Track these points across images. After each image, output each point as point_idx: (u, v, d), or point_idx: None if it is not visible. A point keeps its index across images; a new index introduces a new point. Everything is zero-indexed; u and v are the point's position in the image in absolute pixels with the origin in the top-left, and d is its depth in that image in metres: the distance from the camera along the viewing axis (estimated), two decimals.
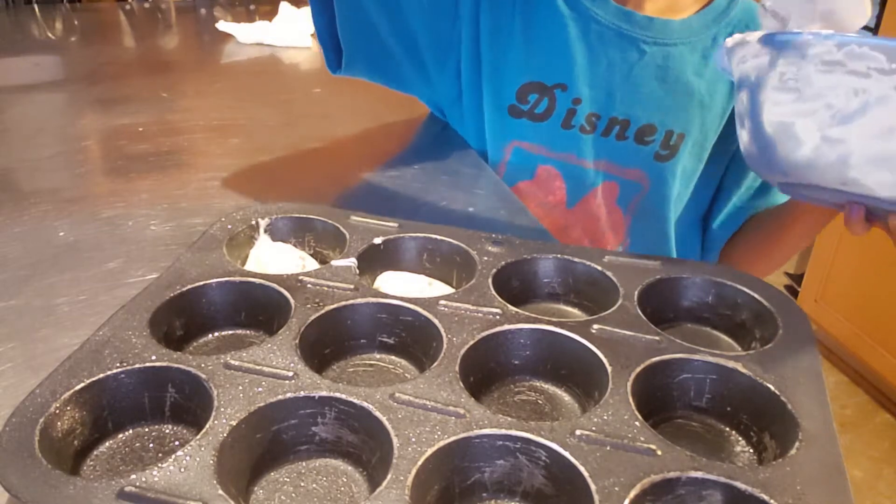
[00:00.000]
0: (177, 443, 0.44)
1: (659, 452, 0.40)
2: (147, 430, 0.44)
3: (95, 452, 0.43)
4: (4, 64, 1.22)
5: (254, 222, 0.61)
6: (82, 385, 0.42)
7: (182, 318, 0.51)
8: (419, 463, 0.38)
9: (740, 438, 0.47)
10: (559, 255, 0.58)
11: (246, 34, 1.34)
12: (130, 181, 0.78)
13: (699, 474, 0.39)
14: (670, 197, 0.85)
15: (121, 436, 0.44)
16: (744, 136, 0.54)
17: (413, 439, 0.40)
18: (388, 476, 0.37)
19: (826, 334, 2.00)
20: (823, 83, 0.46)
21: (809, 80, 0.47)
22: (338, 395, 0.42)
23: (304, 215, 0.62)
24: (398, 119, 0.98)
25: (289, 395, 0.42)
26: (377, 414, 0.41)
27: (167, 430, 0.44)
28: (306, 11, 1.31)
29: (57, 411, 0.41)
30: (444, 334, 0.48)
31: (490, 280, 0.55)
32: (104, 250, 0.58)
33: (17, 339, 0.51)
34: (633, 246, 0.89)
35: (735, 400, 0.47)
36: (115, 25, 1.51)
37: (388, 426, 0.40)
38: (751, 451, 0.46)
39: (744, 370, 0.47)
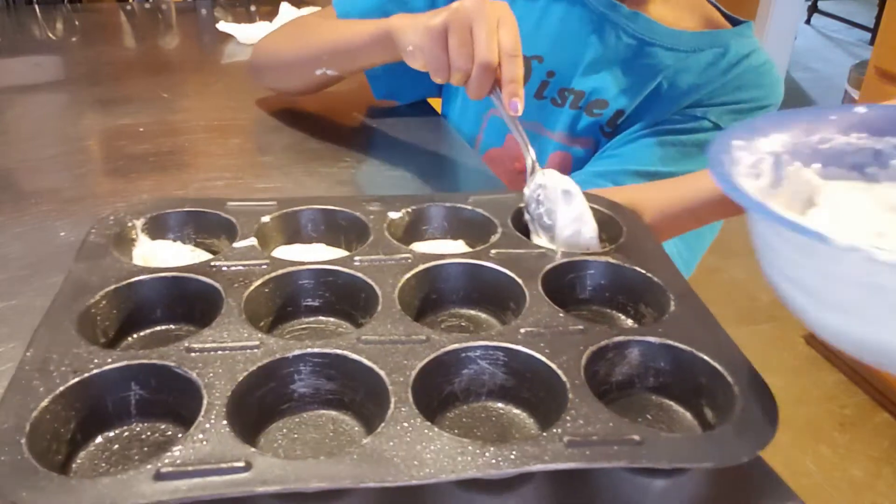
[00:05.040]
0: (158, 435, 0.44)
1: (585, 330, 0.49)
2: (118, 432, 0.44)
3: (74, 466, 0.42)
4: (5, 64, 1.20)
5: (130, 224, 0.60)
6: (49, 399, 0.41)
7: (104, 324, 0.50)
8: (410, 383, 0.43)
9: (621, 315, 0.58)
10: (432, 203, 0.65)
11: (246, 34, 1.33)
12: (131, 181, 0.78)
13: (621, 338, 0.49)
14: None
15: (91, 447, 0.43)
16: None
17: (394, 368, 0.45)
18: (392, 399, 0.42)
19: None
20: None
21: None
22: (310, 350, 0.46)
23: (180, 209, 0.62)
24: (399, 117, 1.00)
25: (266, 360, 0.45)
26: (354, 356, 0.45)
27: (139, 428, 0.44)
28: (306, 12, 1.30)
29: (33, 428, 0.39)
30: (372, 284, 0.53)
31: (386, 232, 0.60)
32: None
33: (19, 338, 0.50)
34: None
35: (612, 285, 0.58)
36: (116, 26, 1.48)
37: (370, 363, 0.45)
38: (631, 321, 0.58)
39: (613, 261, 0.58)
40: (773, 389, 0.44)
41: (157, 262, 0.58)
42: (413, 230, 0.64)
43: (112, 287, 0.51)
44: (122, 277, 0.53)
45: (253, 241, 0.58)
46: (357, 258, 0.56)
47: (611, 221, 0.65)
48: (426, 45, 0.69)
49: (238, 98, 1.06)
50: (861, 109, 0.47)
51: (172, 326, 0.54)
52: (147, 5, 1.60)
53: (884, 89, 1.68)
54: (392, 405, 0.42)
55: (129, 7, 1.59)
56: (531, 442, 0.40)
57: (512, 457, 0.39)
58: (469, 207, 0.65)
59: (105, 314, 0.51)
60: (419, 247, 0.62)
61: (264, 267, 0.55)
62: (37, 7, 1.52)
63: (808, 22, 5.05)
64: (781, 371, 1.95)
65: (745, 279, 2.35)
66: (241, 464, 0.37)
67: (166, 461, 0.37)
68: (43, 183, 0.78)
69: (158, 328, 0.53)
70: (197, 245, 0.62)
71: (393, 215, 0.63)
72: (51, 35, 1.39)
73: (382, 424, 0.41)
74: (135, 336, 0.53)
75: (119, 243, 0.58)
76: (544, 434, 0.40)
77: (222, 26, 1.35)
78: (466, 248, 0.63)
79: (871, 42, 4.20)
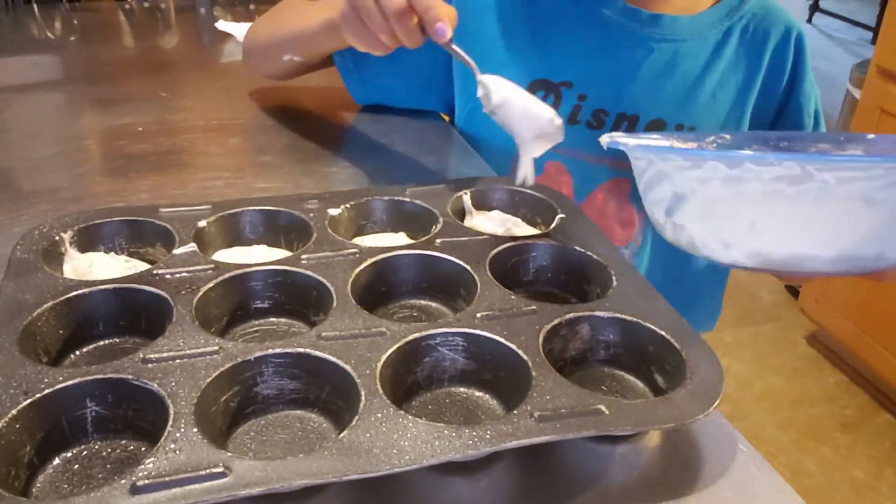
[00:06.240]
0: (119, 451, 0.43)
1: (537, 310, 0.51)
2: (76, 452, 0.42)
3: (34, 491, 0.40)
4: (4, 63, 1.19)
5: (57, 237, 0.57)
6: (1, 424, 0.39)
7: (45, 343, 0.48)
8: (378, 375, 0.44)
9: (565, 293, 0.60)
10: (370, 197, 0.65)
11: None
12: (130, 181, 0.77)
13: (572, 315, 0.51)
14: None
15: (50, 470, 0.41)
16: None
17: (360, 361, 0.45)
18: (362, 392, 0.42)
19: (826, 334, 1.96)
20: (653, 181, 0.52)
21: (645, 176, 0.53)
22: (272, 351, 0.45)
23: (109, 219, 0.60)
24: (400, 117, 0.98)
25: (228, 364, 0.44)
26: (318, 354, 0.45)
27: (97, 446, 0.43)
28: None
29: None
30: (324, 281, 0.53)
31: (329, 229, 0.60)
32: None
33: None
34: (647, 241, 0.89)
35: (555, 266, 0.60)
36: (115, 25, 1.47)
37: (335, 359, 0.45)
38: (575, 300, 0.60)
39: (554, 242, 0.60)
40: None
41: (90, 275, 0.56)
42: (354, 225, 0.64)
43: (50, 304, 0.49)
44: (60, 293, 0.50)
45: (193, 246, 0.57)
46: (304, 256, 0.56)
47: (546, 206, 0.67)
48: (346, 18, 0.68)
49: (237, 97, 1.04)
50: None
51: (117, 340, 0.52)
52: (146, 4, 1.58)
53: (885, 88, 1.68)
54: (363, 398, 0.42)
55: (127, 6, 1.57)
56: (504, 420, 0.41)
57: (487, 436, 0.40)
58: (408, 200, 0.66)
59: (44, 332, 0.48)
60: (361, 241, 0.62)
61: (210, 272, 0.54)
62: (35, 6, 1.50)
63: (809, 21, 5.00)
64: (782, 372, 1.94)
65: (747, 279, 2.34)
66: (220, 469, 0.37)
67: (140, 474, 0.36)
68: (42, 182, 0.77)
69: (102, 343, 0.51)
70: (130, 255, 0.60)
71: (333, 212, 0.63)
72: (49, 34, 1.36)
73: (357, 417, 0.41)
74: (78, 353, 0.50)
75: (48, 258, 0.55)
76: (515, 412, 0.42)
77: (221, 25, 1.33)
78: (408, 240, 0.63)
79: (873, 41, 4.14)
